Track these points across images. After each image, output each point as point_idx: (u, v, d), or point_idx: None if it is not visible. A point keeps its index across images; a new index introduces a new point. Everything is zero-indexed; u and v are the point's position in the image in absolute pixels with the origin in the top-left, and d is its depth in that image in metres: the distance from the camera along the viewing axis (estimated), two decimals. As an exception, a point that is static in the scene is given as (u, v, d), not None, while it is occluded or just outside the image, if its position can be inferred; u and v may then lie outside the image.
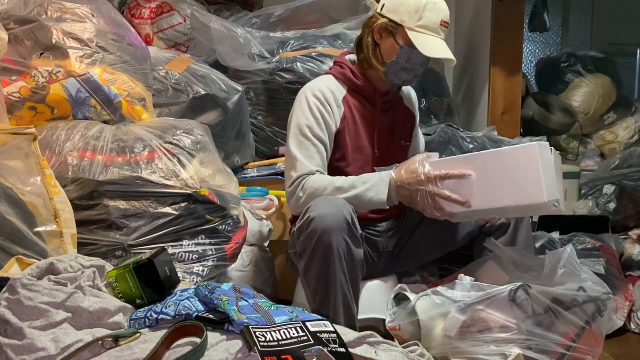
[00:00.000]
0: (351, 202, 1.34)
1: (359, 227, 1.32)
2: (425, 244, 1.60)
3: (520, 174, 1.25)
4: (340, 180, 1.41)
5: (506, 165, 1.27)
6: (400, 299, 1.46)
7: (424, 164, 1.35)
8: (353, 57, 1.61)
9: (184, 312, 0.96)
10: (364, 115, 1.56)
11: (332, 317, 1.27)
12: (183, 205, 1.34)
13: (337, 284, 1.28)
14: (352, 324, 1.32)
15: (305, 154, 1.45)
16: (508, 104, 2.53)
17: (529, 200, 1.24)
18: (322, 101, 1.49)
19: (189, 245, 1.34)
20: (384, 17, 1.49)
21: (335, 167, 1.52)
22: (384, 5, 1.50)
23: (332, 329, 0.93)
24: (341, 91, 1.55)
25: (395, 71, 1.51)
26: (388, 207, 1.41)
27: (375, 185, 1.38)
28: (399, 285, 1.52)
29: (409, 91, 1.71)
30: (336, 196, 1.37)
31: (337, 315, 1.29)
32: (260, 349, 0.83)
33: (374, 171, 1.47)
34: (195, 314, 0.96)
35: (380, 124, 1.59)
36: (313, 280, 1.30)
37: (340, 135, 1.52)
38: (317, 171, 1.45)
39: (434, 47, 1.46)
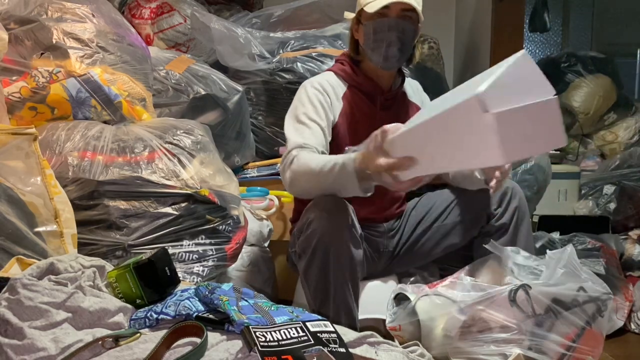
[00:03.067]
0: (330, 190, 1.28)
1: (358, 227, 1.32)
2: (425, 244, 1.60)
3: (471, 135, 0.95)
4: (317, 166, 1.29)
5: (455, 127, 0.98)
6: (400, 299, 1.46)
7: (375, 150, 1.17)
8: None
9: (184, 312, 0.96)
10: (364, 112, 1.55)
11: (332, 318, 1.26)
12: (183, 205, 1.34)
13: (337, 284, 1.28)
14: (352, 324, 1.31)
15: (297, 134, 1.43)
16: (508, 104, 2.52)
17: (488, 163, 1.09)
18: (320, 91, 1.50)
19: (189, 245, 1.34)
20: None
21: None
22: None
23: (332, 329, 0.93)
24: (341, 87, 1.55)
25: (371, 49, 1.50)
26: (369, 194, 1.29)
27: (344, 179, 1.25)
28: (399, 285, 1.52)
29: (413, 85, 1.69)
30: (322, 184, 1.30)
31: (338, 315, 1.29)
32: (260, 349, 0.83)
33: None
34: (195, 314, 0.96)
35: (381, 121, 1.56)
36: (313, 281, 1.30)
37: (338, 129, 1.51)
38: (304, 144, 1.39)
39: (379, 2, 1.44)
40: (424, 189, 1.80)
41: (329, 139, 1.49)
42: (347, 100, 1.54)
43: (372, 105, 1.57)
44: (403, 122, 1.59)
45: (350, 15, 1.56)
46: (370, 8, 1.44)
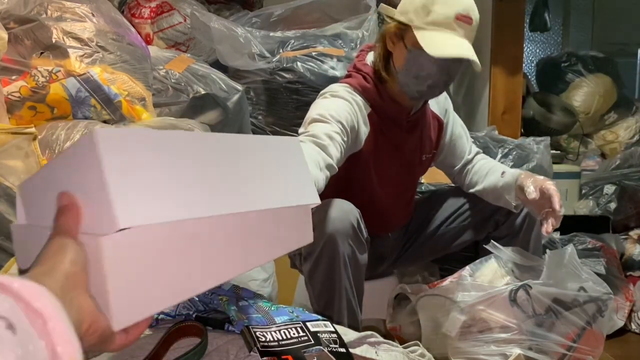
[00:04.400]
0: None
1: (364, 231, 1.28)
2: (429, 247, 1.60)
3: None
4: None
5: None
6: (400, 299, 1.46)
7: None
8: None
9: (184, 312, 0.96)
10: (388, 136, 1.41)
11: (335, 321, 1.25)
12: (183, 204, 1.33)
13: (342, 289, 1.26)
14: (355, 327, 1.30)
15: (304, 128, 1.24)
16: (508, 103, 2.52)
17: None
18: (351, 108, 1.30)
19: (188, 244, 1.33)
20: (394, 20, 1.30)
21: (359, 192, 1.41)
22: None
23: (332, 329, 0.93)
24: (366, 108, 1.36)
25: (407, 81, 1.30)
26: None
27: None
28: (399, 285, 1.52)
29: None
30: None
31: (341, 319, 1.28)
32: (260, 349, 0.83)
33: (398, 196, 1.45)
34: (195, 314, 0.95)
35: (406, 145, 1.45)
36: (317, 284, 1.27)
37: (363, 157, 1.37)
38: (301, 134, 1.22)
39: (443, 44, 1.21)
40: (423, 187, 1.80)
41: (346, 148, 1.28)
42: (373, 124, 1.37)
43: (396, 128, 1.41)
44: (427, 138, 1.50)
45: (388, 11, 1.32)
46: (428, 47, 1.21)
